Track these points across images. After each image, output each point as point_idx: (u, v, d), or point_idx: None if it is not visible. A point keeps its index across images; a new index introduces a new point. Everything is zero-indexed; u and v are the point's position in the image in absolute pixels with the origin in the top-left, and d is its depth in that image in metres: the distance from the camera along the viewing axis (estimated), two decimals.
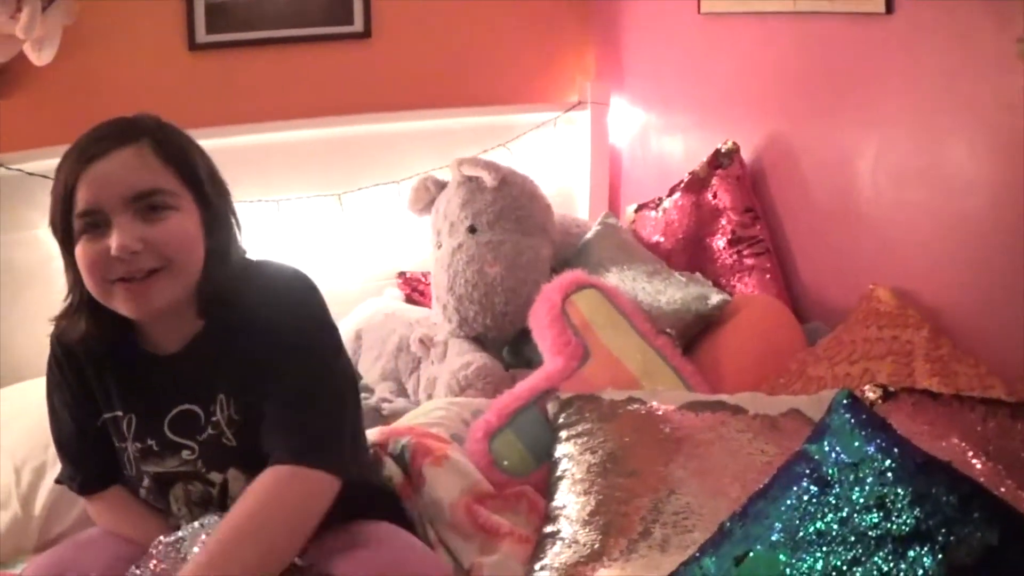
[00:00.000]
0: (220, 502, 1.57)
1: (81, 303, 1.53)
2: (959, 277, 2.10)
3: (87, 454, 1.65)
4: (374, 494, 1.75)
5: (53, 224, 1.51)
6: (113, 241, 1.43)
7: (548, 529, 1.71)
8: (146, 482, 1.61)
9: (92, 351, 1.57)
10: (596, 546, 1.63)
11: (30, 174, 2.45)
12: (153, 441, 1.57)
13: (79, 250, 1.47)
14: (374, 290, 3.00)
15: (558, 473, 1.82)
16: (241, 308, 1.54)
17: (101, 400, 1.60)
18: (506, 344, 2.63)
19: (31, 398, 2.24)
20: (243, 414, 1.54)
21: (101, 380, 1.59)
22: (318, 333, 1.59)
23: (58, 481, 1.76)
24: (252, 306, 1.54)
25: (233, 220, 1.60)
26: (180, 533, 1.41)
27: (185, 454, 1.56)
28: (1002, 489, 1.49)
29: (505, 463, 2.04)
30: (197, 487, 1.58)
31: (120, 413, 1.58)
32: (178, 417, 1.55)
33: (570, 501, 1.74)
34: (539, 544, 1.70)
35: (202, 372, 1.54)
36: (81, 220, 1.46)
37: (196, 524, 1.41)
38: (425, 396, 2.48)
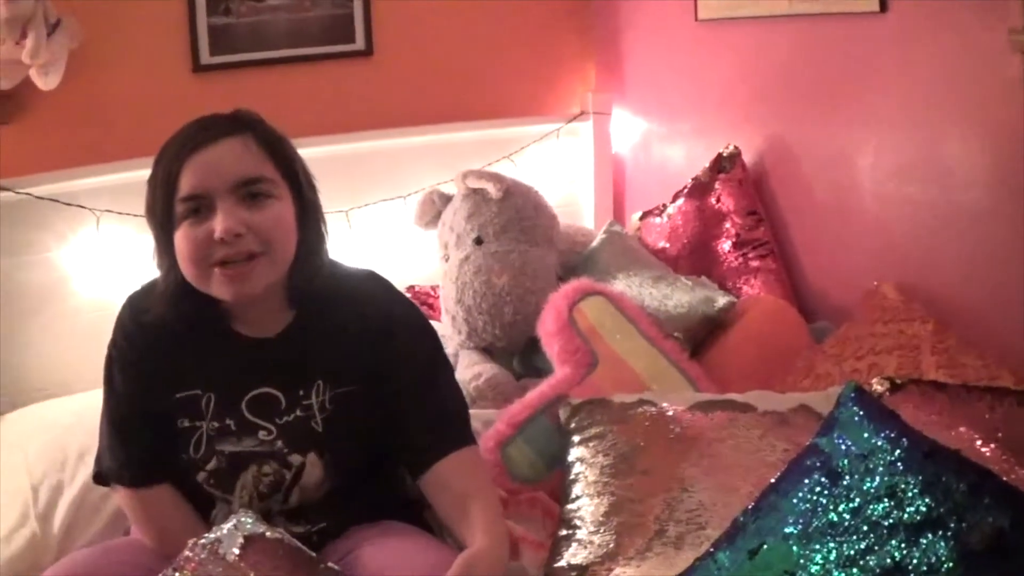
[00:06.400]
0: (288, 489, 1.61)
1: (177, 287, 1.56)
2: (962, 270, 2.11)
3: (141, 439, 1.64)
4: (400, 503, 1.78)
5: (151, 210, 1.56)
6: (218, 224, 1.49)
7: (563, 532, 1.71)
8: (212, 464, 1.61)
9: (175, 332, 1.60)
10: (612, 546, 1.63)
11: (39, 198, 2.47)
12: (232, 421, 1.60)
13: (180, 234, 1.52)
14: None
15: (571, 476, 1.82)
16: (336, 300, 1.63)
17: (175, 380, 1.61)
18: (516, 354, 2.64)
19: (48, 418, 2.27)
20: (336, 403, 1.61)
21: (178, 361, 1.61)
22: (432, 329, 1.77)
23: (96, 478, 1.72)
24: (352, 300, 1.65)
25: (321, 218, 1.66)
26: (215, 534, 1.40)
27: (262, 435, 1.60)
28: (1012, 475, 1.49)
29: (517, 471, 2.05)
30: (272, 468, 1.61)
31: (199, 391, 1.61)
32: (255, 400, 1.60)
33: (584, 503, 1.74)
34: (555, 546, 1.70)
35: (299, 357, 1.61)
36: (185, 204, 1.51)
37: (230, 525, 1.42)
38: None
